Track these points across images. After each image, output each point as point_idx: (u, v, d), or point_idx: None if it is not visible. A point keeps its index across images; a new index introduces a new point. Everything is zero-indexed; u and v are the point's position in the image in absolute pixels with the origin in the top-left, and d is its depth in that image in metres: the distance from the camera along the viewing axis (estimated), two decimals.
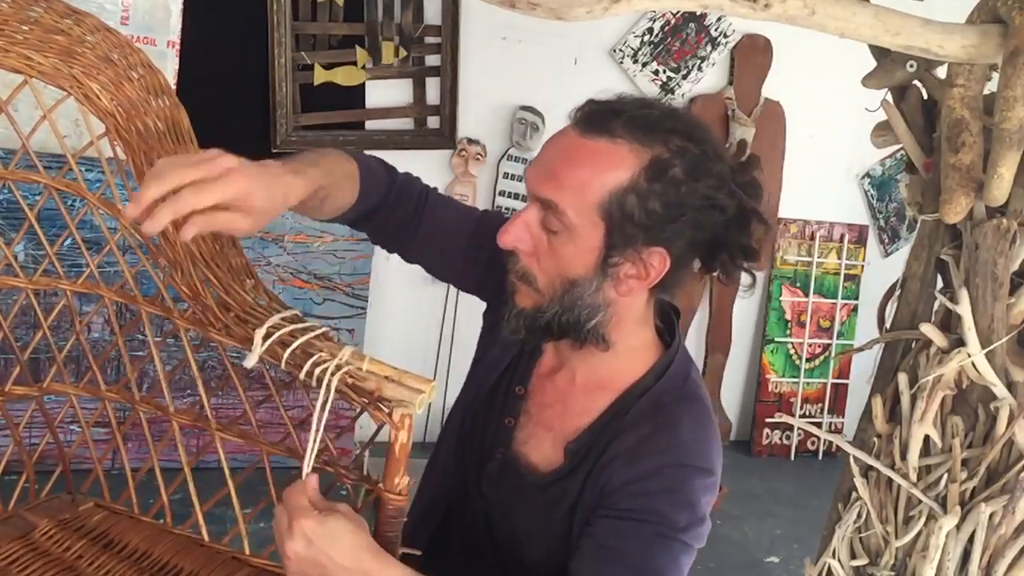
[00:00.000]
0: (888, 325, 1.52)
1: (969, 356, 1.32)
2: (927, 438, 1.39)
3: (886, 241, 4.08)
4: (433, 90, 3.25)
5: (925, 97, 1.44)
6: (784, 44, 3.60)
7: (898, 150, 3.57)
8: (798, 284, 3.92)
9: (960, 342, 1.34)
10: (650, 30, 3.47)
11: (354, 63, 3.12)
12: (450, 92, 3.23)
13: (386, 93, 3.20)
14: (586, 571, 0.96)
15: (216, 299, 0.95)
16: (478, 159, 3.30)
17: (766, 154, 3.64)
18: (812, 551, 1.62)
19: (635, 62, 3.48)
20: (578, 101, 1.01)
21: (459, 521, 1.15)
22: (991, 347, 1.32)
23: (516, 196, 3.37)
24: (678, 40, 3.52)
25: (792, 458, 3.95)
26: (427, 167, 3.23)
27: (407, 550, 0.92)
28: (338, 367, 0.86)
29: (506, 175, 3.37)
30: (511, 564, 1.08)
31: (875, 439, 1.47)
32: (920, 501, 1.39)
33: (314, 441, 0.87)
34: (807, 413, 3.98)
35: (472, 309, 1.24)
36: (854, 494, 1.49)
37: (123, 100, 1.00)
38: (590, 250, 0.97)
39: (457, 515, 1.15)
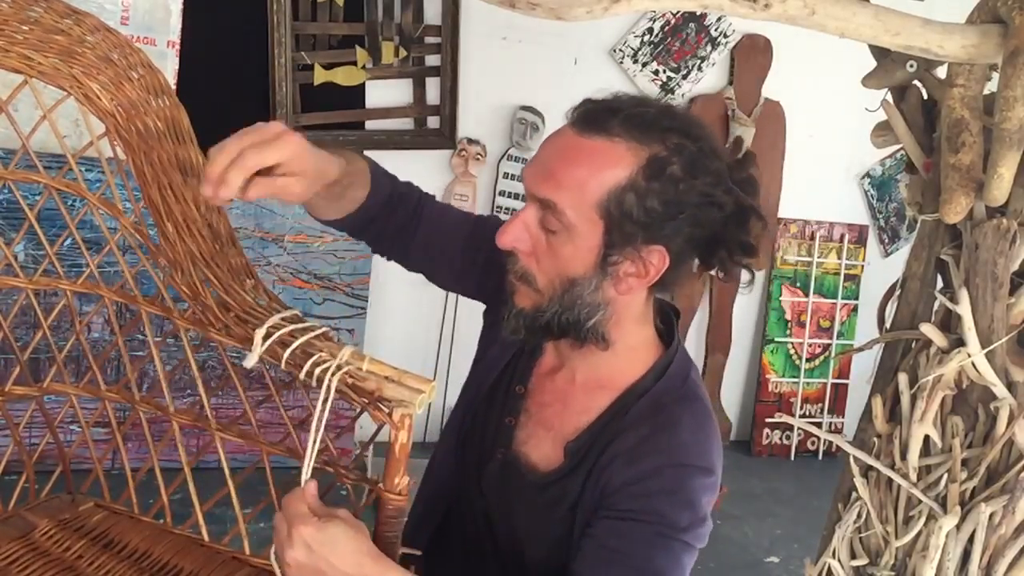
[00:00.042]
0: (888, 325, 1.52)
1: (969, 356, 1.32)
2: (927, 438, 1.39)
3: (886, 241, 4.08)
4: (433, 90, 3.25)
5: (925, 97, 1.45)
6: (784, 44, 3.60)
7: (898, 150, 3.57)
8: (798, 284, 3.92)
9: (960, 342, 1.34)
10: (650, 30, 3.47)
11: (354, 63, 3.12)
12: (450, 92, 3.23)
13: (386, 93, 3.20)
14: (587, 572, 0.96)
15: (216, 299, 0.95)
16: (478, 159, 3.30)
17: (766, 154, 3.65)
18: (812, 551, 1.62)
19: (635, 62, 3.48)
20: (578, 101, 1.01)
21: (459, 521, 1.15)
22: (991, 347, 1.32)
23: (516, 196, 3.37)
24: (678, 40, 3.52)
25: (792, 458, 3.95)
26: (427, 167, 3.23)
27: (407, 550, 0.92)
28: (338, 367, 0.86)
29: (506, 175, 3.37)
30: (511, 564, 1.08)
31: (875, 439, 1.47)
32: (920, 501, 1.39)
33: (314, 442, 0.87)
34: (807, 413, 3.98)
35: (472, 309, 1.25)
36: (854, 494, 1.49)
37: (123, 100, 1.00)
38: (589, 249, 0.97)
39: (457, 515, 1.15)
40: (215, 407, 1.16)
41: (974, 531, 1.36)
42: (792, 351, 3.94)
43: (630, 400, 1.04)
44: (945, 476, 1.37)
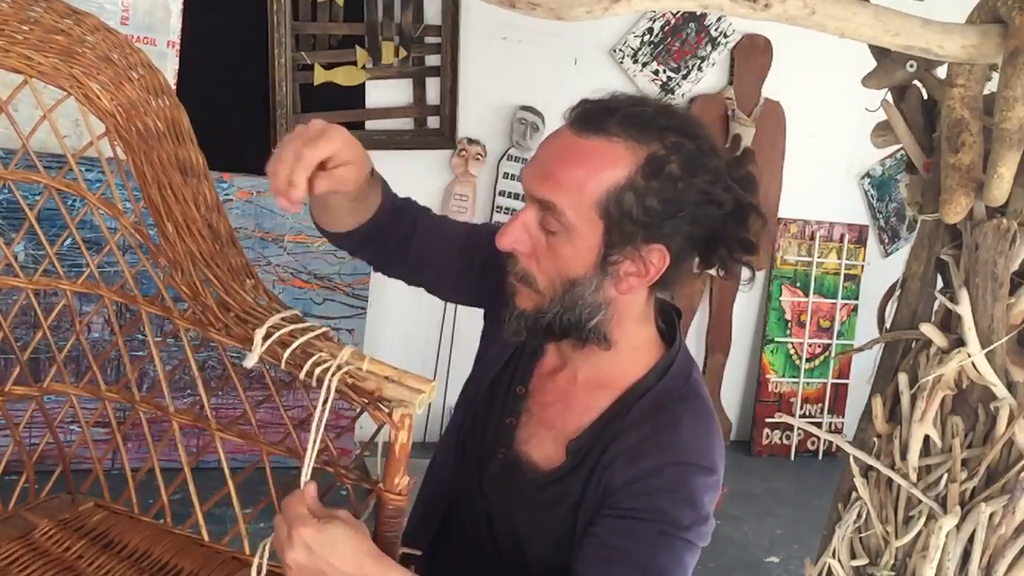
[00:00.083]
0: (888, 325, 1.52)
1: (969, 356, 1.32)
2: (927, 438, 1.39)
3: (886, 241, 4.08)
4: (433, 90, 3.25)
5: (925, 97, 1.45)
6: (784, 44, 3.60)
7: (898, 150, 3.57)
8: (798, 284, 3.92)
9: (960, 342, 1.34)
10: (650, 30, 3.47)
11: (354, 63, 3.12)
12: (450, 92, 3.23)
13: (386, 93, 3.20)
14: (589, 571, 0.96)
15: (216, 299, 0.95)
16: (478, 159, 3.30)
17: (766, 154, 3.65)
18: (812, 551, 1.62)
19: (635, 62, 3.48)
20: (576, 101, 1.01)
21: (459, 521, 1.15)
22: (991, 347, 1.32)
23: (516, 196, 3.37)
24: (678, 40, 3.52)
25: (792, 458, 3.95)
26: (427, 167, 3.23)
27: (407, 550, 0.92)
28: (338, 367, 0.86)
29: (506, 175, 3.37)
30: (512, 564, 1.08)
31: (875, 439, 1.47)
32: (920, 501, 1.39)
33: (314, 442, 0.87)
34: (807, 413, 3.98)
35: (472, 309, 1.25)
36: (854, 494, 1.49)
37: (123, 100, 1.00)
38: (589, 249, 0.97)
39: (456, 515, 1.15)
40: (215, 407, 1.16)
41: (974, 531, 1.36)
42: (792, 351, 3.94)
43: (632, 399, 1.04)
44: (945, 476, 1.37)
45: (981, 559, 1.37)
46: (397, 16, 3.13)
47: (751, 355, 3.98)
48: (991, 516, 1.34)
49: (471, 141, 3.29)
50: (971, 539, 1.36)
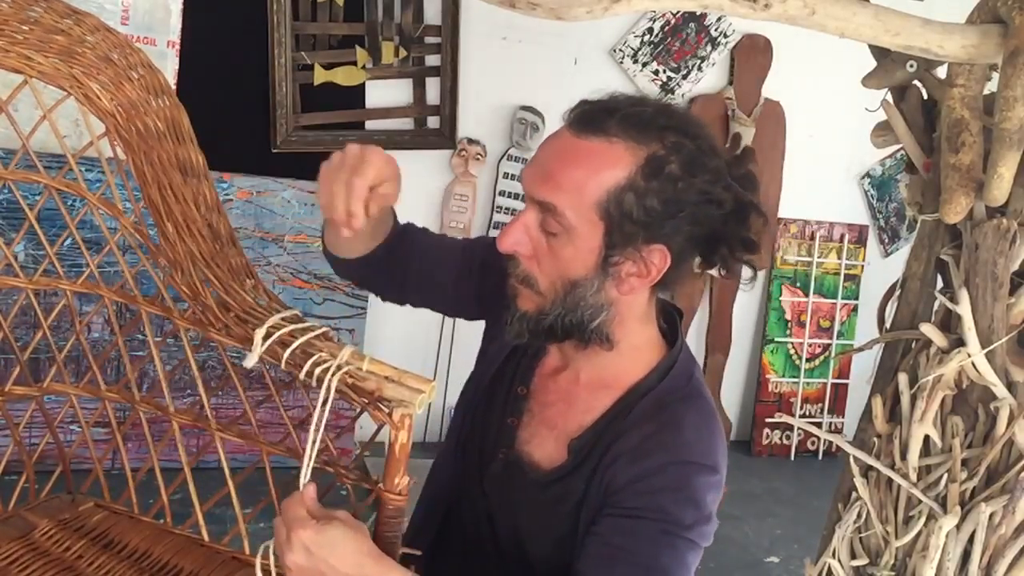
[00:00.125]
0: (888, 325, 1.52)
1: (969, 356, 1.32)
2: (927, 438, 1.39)
3: (886, 241, 4.08)
4: (433, 90, 3.25)
5: (925, 97, 1.45)
6: (784, 44, 3.60)
7: (898, 150, 3.57)
8: (798, 284, 3.92)
9: (960, 342, 1.34)
10: (650, 30, 3.47)
11: (354, 63, 3.12)
12: (450, 92, 3.23)
13: (386, 93, 3.20)
14: (592, 570, 0.96)
15: (216, 299, 0.95)
16: (478, 159, 3.30)
17: (766, 154, 3.65)
18: (812, 551, 1.62)
19: (635, 62, 3.48)
20: (576, 102, 1.01)
21: (459, 521, 1.15)
22: (991, 347, 1.32)
23: (516, 196, 3.37)
24: (678, 40, 3.52)
25: (792, 458, 3.95)
26: (427, 167, 3.23)
27: (407, 550, 0.92)
28: (338, 367, 0.86)
29: (506, 175, 3.37)
30: (513, 564, 1.08)
31: (875, 439, 1.47)
32: (920, 501, 1.39)
33: (313, 442, 0.87)
34: (807, 413, 3.98)
35: None
36: (854, 494, 1.49)
37: (123, 100, 1.00)
38: (590, 250, 0.97)
39: (457, 515, 1.15)
40: (215, 407, 1.16)
41: (974, 531, 1.36)
42: (792, 351, 3.94)
43: (634, 399, 1.04)
44: (945, 476, 1.37)
45: (981, 559, 1.37)
46: (397, 16, 3.13)
47: (751, 355, 3.98)
48: (991, 516, 1.35)
49: (471, 141, 3.29)
50: (971, 539, 1.36)
